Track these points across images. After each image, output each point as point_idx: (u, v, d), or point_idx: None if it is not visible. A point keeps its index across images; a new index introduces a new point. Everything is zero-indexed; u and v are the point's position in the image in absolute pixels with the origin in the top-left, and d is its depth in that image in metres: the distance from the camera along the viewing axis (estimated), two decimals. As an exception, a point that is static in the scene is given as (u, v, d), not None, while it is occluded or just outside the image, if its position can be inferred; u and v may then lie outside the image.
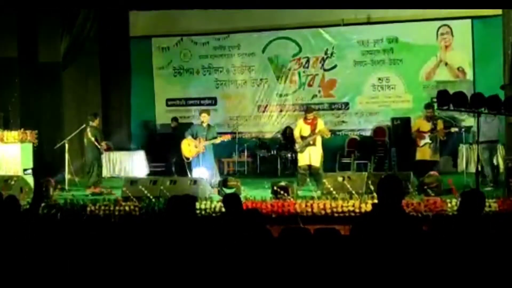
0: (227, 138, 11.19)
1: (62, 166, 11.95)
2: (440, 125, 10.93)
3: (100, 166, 12.03)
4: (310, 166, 10.84)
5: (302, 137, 10.94)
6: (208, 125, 11.16)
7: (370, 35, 14.67)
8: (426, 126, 10.96)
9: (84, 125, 12.47)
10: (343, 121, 14.67)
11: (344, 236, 4.66)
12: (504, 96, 9.17)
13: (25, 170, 11.09)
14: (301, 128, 11.03)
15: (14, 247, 4.82)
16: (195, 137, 10.99)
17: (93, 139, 11.64)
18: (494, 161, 10.95)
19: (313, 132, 10.85)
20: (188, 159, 11.03)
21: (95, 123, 11.93)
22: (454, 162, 13.34)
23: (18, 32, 12.77)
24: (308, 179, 10.78)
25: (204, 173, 10.82)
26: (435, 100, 10.71)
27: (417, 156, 11.11)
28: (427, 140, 10.88)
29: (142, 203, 9.29)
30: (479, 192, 4.95)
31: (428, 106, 11.54)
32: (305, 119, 11.06)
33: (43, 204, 8.47)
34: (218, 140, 10.96)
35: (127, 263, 4.43)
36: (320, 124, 11.00)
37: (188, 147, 10.99)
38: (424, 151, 10.93)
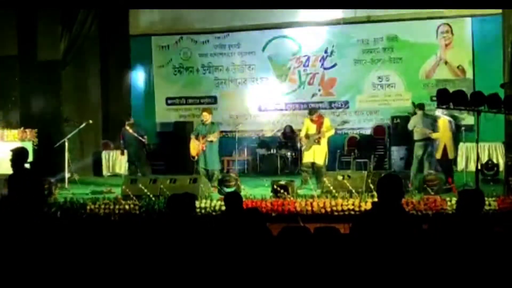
0: (217, 135, 11.28)
1: (62, 164, 11.95)
2: (441, 124, 10.85)
3: (144, 159, 12.35)
4: (313, 164, 10.98)
5: (308, 136, 11.02)
6: (211, 123, 11.27)
7: (370, 33, 14.67)
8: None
9: (84, 124, 12.49)
10: (343, 120, 14.66)
11: (344, 234, 4.66)
12: (504, 95, 9.16)
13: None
14: (308, 127, 11.13)
15: (15, 245, 4.82)
16: (197, 135, 11.15)
17: (136, 134, 11.91)
18: (428, 157, 11.36)
19: (319, 131, 10.95)
20: (193, 157, 11.19)
21: (132, 121, 12.25)
22: (454, 161, 13.34)
23: (18, 30, 12.77)
24: (311, 177, 10.91)
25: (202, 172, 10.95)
26: (435, 98, 10.71)
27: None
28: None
29: (142, 201, 9.29)
30: (478, 191, 4.96)
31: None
32: (311, 118, 11.13)
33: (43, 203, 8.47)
34: (212, 137, 11.04)
35: (127, 262, 4.43)
36: (327, 123, 11.12)
37: (193, 146, 11.20)
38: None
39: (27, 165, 9.91)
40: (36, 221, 5.54)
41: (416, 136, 11.50)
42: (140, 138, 11.99)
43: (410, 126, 11.69)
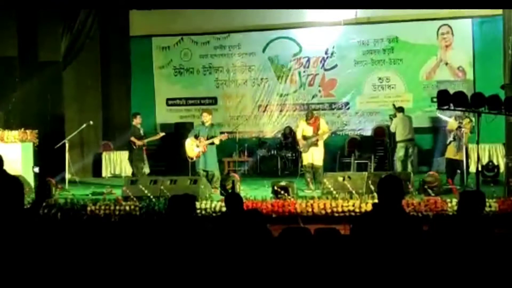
0: (224, 137, 11.24)
1: (62, 165, 11.95)
2: (466, 123, 10.86)
3: (139, 163, 12.30)
4: (312, 165, 11.09)
5: (305, 138, 11.08)
6: (211, 125, 11.24)
7: (370, 34, 14.68)
8: (454, 124, 10.91)
9: (84, 125, 12.48)
10: (343, 121, 14.64)
11: (344, 236, 4.66)
12: (504, 96, 9.16)
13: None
14: (303, 129, 11.21)
15: (14, 246, 4.82)
16: (197, 137, 11.06)
17: (131, 137, 12.08)
18: (409, 158, 12.23)
19: (315, 132, 11.00)
20: (191, 159, 11.12)
21: (134, 121, 12.35)
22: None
23: (19, 31, 12.76)
24: (311, 178, 10.99)
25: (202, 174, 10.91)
26: (435, 99, 10.71)
27: (446, 154, 11.09)
28: (451, 138, 10.85)
29: (143, 202, 9.29)
30: (479, 192, 4.95)
31: None
32: (307, 120, 11.22)
33: (43, 204, 8.47)
34: (216, 140, 10.98)
35: (127, 263, 4.43)
36: (323, 125, 11.22)
37: (191, 147, 11.08)
38: (450, 150, 10.90)
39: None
40: (35, 222, 5.52)
41: (397, 138, 12.14)
42: (131, 141, 12.11)
43: (392, 128, 12.43)
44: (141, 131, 12.34)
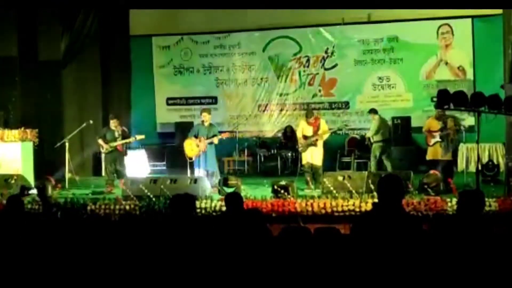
0: (225, 135, 11.27)
1: (62, 164, 11.94)
2: (450, 123, 10.86)
3: (110, 166, 11.82)
4: (311, 165, 11.11)
5: (305, 137, 11.09)
6: (210, 124, 11.23)
7: (370, 34, 14.68)
8: (437, 125, 10.86)
9: (84, 124, 12.47)
10: (343, 120, 14.62)
11: (344, 235, 4.66)
12: (504, 95, 9.16)
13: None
14: (303, 129, 11.24)
15: (16, 246, 4.83)
16: (197, 136, 11.06)
17: (99, 140, 11.58)
18: (383, 158, 12.17)
19: (315, 132, 11.03)
20: (190, 158, 11.10)
21: (111, 124, 11.70)
22: (454, 161, 13.33)
23: (19, 30, 12.77)
24: (310, 178, 11.02)
25: (202, 173, 10.88)
26: (435, 99, 10.72)
27: (428, 155, 11.01)
28: (437, 139, 10.79)
29: (143, 202, 9.28)
30: (478, 192, 4.95)
31: None
32: (308, 121, 11.22)
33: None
34: (216, 140, 10.97)
35: (127, 262, 4.43)
36: (323, 125, 11.22)
37: (190, 146, 11.07)
38: (436, 150, 10.85)
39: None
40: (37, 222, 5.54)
41: (376, 138, 12.08)
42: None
43: (372, 132, 12.20)
44: (116, 134, 11.72)
